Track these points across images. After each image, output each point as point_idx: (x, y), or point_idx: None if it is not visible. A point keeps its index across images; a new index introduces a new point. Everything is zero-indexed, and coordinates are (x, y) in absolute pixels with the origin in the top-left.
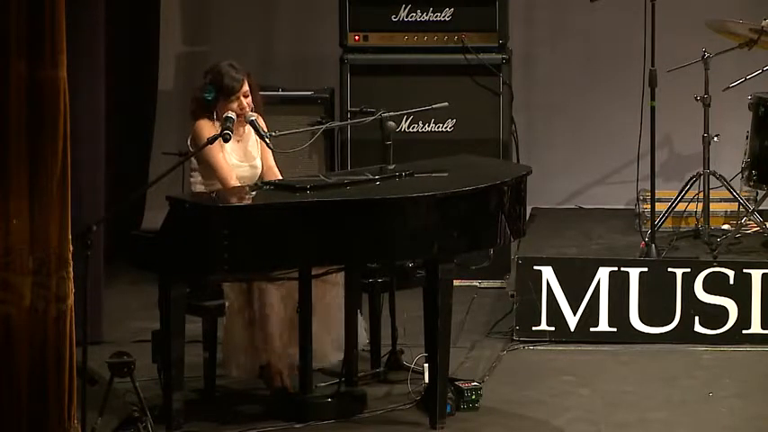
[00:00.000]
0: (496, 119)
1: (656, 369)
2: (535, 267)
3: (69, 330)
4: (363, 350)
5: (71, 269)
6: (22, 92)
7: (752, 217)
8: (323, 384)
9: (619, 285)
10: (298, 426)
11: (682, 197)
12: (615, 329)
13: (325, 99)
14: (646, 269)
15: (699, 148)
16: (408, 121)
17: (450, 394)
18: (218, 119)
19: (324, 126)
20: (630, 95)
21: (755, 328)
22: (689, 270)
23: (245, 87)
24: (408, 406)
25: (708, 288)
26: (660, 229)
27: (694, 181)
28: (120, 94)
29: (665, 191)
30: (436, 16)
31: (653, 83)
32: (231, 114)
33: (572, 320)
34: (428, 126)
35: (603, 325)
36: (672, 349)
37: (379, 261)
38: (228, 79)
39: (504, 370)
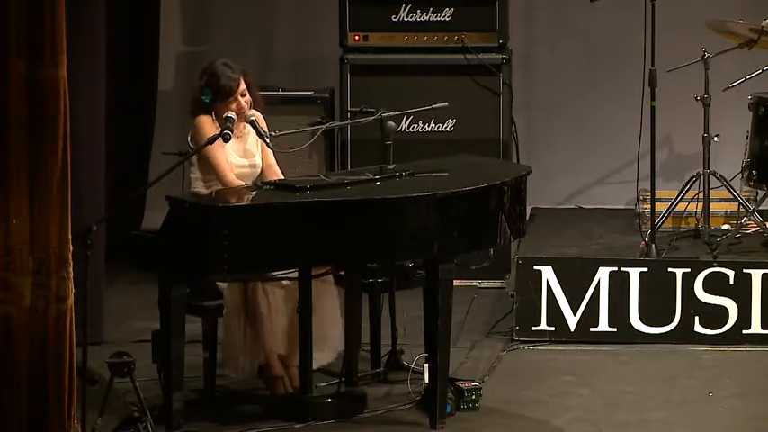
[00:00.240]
0: (496, 119)
1: (656, 369)
2: (535, 267)
3: (69, 330)
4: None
5: (71, 269)
6: (22, 92)
7: (752, 217)
8: (323, 384)
9: (619, 285)
10: (298, 426)
11: (682, 197)
12: (615, 329)
13: (325, 99)
14: (646, 269)
15: (699, 148)
16: (408, 121)
17: (450, 394)
18: (217, 118)
19: (324, 126)
20: (630, 95)
21: (755, 328)
22: (689, 270)
23: (242, 86)
24: (408, 406)
25: (708, 288)
26: (660, 229)
27: (694, 181)
28: (120, 94)
29: (665, 191)
30: (436, 16)
31: (653, 83)
32: (231, 114)
33: (572, 320)
34: (428, 126)
35: (603, 325)
36: (672, 349)
37: (379, 261)
38: (225, 80)
39: (504, 370)
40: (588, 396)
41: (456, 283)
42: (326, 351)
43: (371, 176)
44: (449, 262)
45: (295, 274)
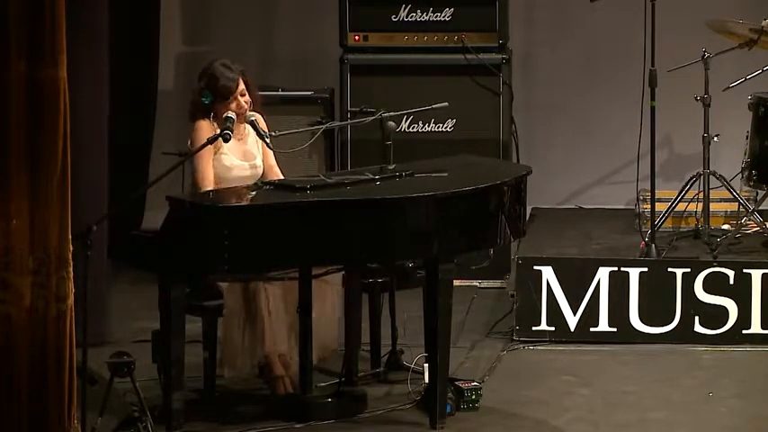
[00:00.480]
0: (496, 119)
1: (656, 369)
2: (535, 267)
3: (69, 330)
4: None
5: (71, 269)
6: (22, 92)
7: (752, 217)
8: (323, 384)
9: (619, 285)
10: (298, 426)
11: (682, 197)
12: (615, 329)
13: (325, 99)
14: (646, 269)
15: (699, 148)
16: (408, 121)
17: (450, 394)
18: (217, 119)
19: (324, 126)
20: (630, 95)
21: (755, 328)
22: (689, 270)
23: (242, 86)
24: (408, 406)
25: (708, 288)
26: (660, 229)
27: (694, 181)
28: (120, 94)
29: (665, 191)
30: (436, 16)
31: (653, 83)
32: (231, 114)
33: (572, 320)
34: (428, 126)
35: (603, 325)
36: (672, 349)
37: (379, 261)
38: (224, 80)
39: (504, 370)
40: (588, 396)
41: (456, 283)
42: (326, 351)
43: (371, 176)
44: (449, 262)
45: (295, 274)
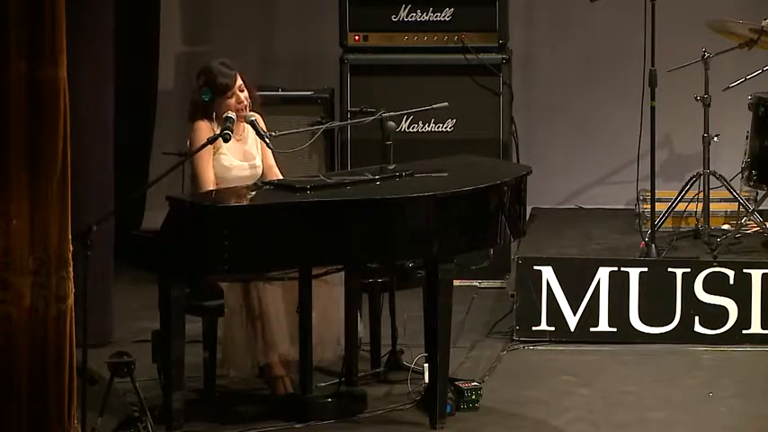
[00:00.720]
0: (496, 119)
1: (656, 369)
2: (535, 267)
3: (69, 330)
4: (363, 349)
5: (71, 269)
6: (22, 92)
7: (752, 217)
8: (323, 384)
9: (619, 285)
10: (298, 426)
11: (682, 197)
12: (615, 329)
13: (325, 99)
14: (646, 269)
15: (699, 148)
16: (408, 121)
17: (450, 394)
18: (217, 119)
19: (324, 126)
20: (630, 95)
21: (755, 328)
22: (689, 270)
23: (239, 81)
24: (408, 406)
25: (708, 288)
26: (660, 229)
27: (694, 181)
28: (120, 94)
29: (665, 191)
30: (436, 16)
31: (653, 83)
32: (231, 114)
33: (572, 320)
34: (428, 126)
35: (603, 325)
36: (672, 349)
37: (379, 261)
38: (221, 77)
39: (504, 370)
40: (588, 396)
41: (456, 283)
42: (326, 350)
43: (371, 176)
44: (449, 262)
45: (295, 274)
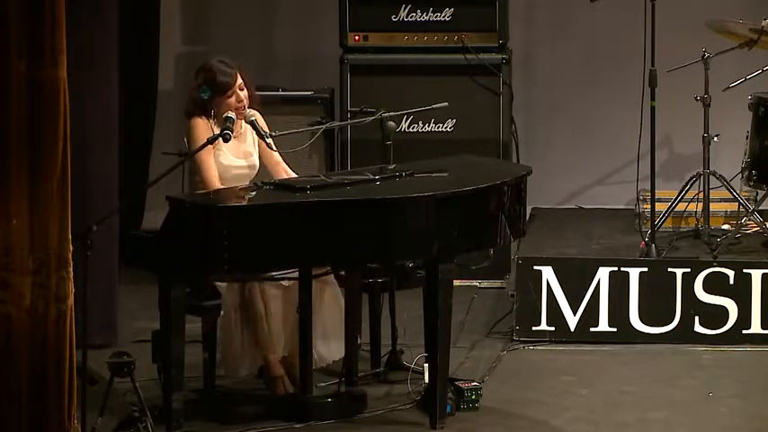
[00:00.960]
0: (496, 119)
1: (656, 369)
2: (535, 267)
3: (69, 330)
4: (363, 350)
5: (71, 269)
6: (22, 92)
7: (752, 217)
8: (323, 384)
9: (619, 285)
10: (298, 426)
11: (682, 197)
12: (615, 329)
13: (325, 99)
14: (646, 269)
15: (699, 148)
16: (408, 121)
17: (450, 394)
18: (216, 117)
19: (324, 126)
20: (630, 95)
21: (755, 328)
22: (689, 270)
23: (239, 80)
24: (408, 406)
25: (708, 288)
26: (660, 229)
27: (694, 181)
28: (121, 94)
29: (665, 191)
30: (436, 16)
31: (653, 83)
32: (231, 114)
33: (572, 320)
34: (428, 126)
35: (603, 325)
36: (672, 349)
37: (379, 261)
38: (221, 75)
39: (504, 370)
40: (588, 396)
41: (456, 283)
42: (333, 349)
43: (371, 176)
44: (449, 262)
45: (295, 274)
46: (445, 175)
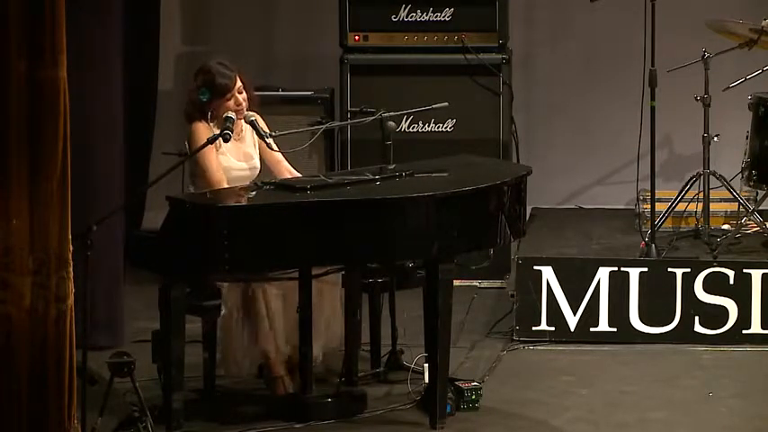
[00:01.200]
0: (496, 119)
1: (656, 369)
2: (535, 267)
3: (69, 330)
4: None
5: (71, 269)
6: (22, 92)
7: (752, 217)
8: (323, 385)
9: (619, 285)
10: (298, 426)
11: (682, 197)
12: (615, 329)
13: (325, 99)
14: (646, 269)
15: (699, 148)
16: (408, 121)
17: (450, 394)
18: (214, 119)
19: (324, 126)
20: (630, 95)
21: (755, 328)
22: (689, 270)
23: (239, 83)
24: (408, 406)
25: (708, 288)
26: (660, 229)
27: (694, 181)
28: (121, 94)
29: (665, 191)
30: (436, 16)
31: (653, 83)
32: (231, 114)
33: (572, 320)
34: (428, 126)
35: (603, 325)
36: (672, 349)
37: (379, 261)
38: (220, 78)
39: (504, 370)
40: (588, 396)
41: (456, 283)
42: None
43: (371, 176)
44: (449, 262)
45: (295, 274)
46: (445, 175)
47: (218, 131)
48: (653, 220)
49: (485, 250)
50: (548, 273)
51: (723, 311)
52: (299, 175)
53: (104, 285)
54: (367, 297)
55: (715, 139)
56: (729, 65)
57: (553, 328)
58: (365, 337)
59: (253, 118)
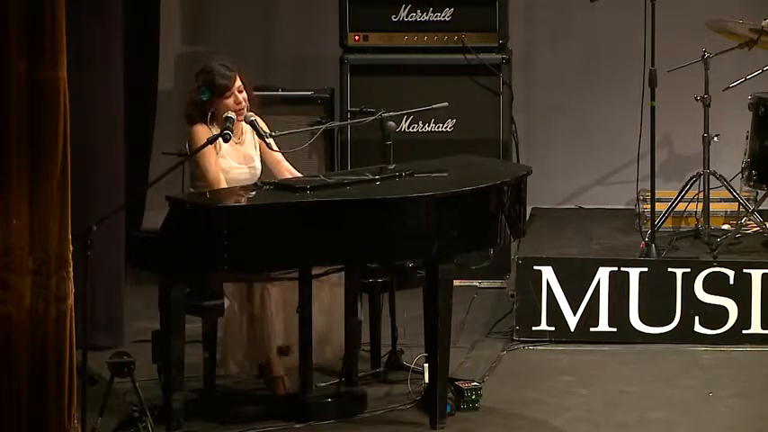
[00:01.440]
0: (496, 119)
1: (656, 369)
2: (535, 267)
3: (69, 330)
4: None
5: (71, 269)
6: (22, 92)
7: (752, 217)
8: (323, 384)
9: (619, 285)
10: (298, 426)
11: (682, 197)
12: (615, 329)
13: (325, 99)
14: (646, 269)
15: (699, 148)
16: (408, 121)
17: (450, 394)
18: (215, 119)
19: (324, 126)
20: (630, 95)
21: (755, 328)
22: (689, 270)
23: (238, 82)
24: (408, 406)
25: (708, 288)
26: (660, 229)
27: (694, 181)
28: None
29: (665, 191)
30: (436, 16)
31: (653, 83)
32: (231, 114)
33: (572, 320)
34: (428, 126)
35: (603, 325)
36: (672, 349)
37: (379, 261)
38: (220, 77)
39: (504, 370)
40: (588, 396)
41: (456, 283)
42: (328, 351)
43: (371, 176)
44: (449, 262)
45: (295, 274)
46: (445, 175)
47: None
48: (653, 220)
49: (485, 250)
50: (548, 273)
51: (723, 311)
52: (300, 174)
53: (104, 285)
54: (367, 297)
55: (715, 139)
56: (729, 65)
57: (553, 328)
58: (365, 337)
59: (253, 118)
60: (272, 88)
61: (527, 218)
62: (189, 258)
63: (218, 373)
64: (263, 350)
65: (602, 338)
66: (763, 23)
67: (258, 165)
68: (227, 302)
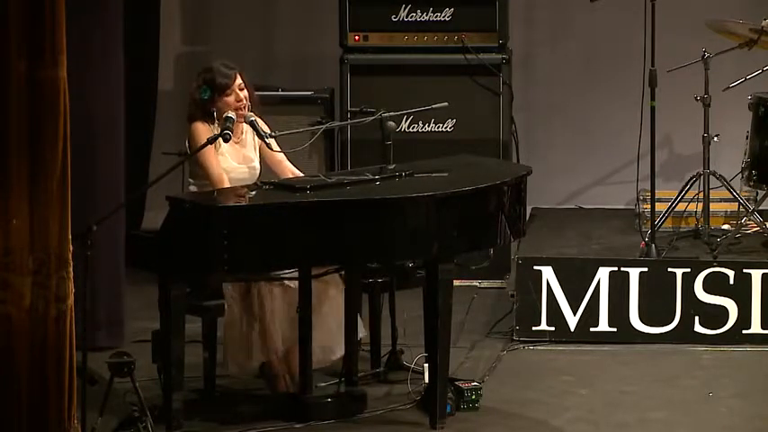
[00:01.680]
0: (496, 119)
1: (656, 369)
2: (535, 267)
3: (69, 330)
4: (363, 349)
5: (71, 269)
6: (22, 92)
7: (752, 217)
8: (323, 384)
9: (619, 285)
10: (298, 426)
11: (682, 197)
12: (615, 329)
13: (325, 99)
14: (646, 269)
15: (699, 148)
16: (408, 121)
17: (450, 394)
18: (217, 118)
19: (324, 126)
20: (630, 95)
21: (755, 328)
22: (689, 270)
23: (239, 80)
24: (408, 406)
25: (708, 288)
26: (660, 229)
27: (694, 181)
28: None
29: (665, 191)
30: (436, 16)
31: (653, 83)
32: (231, 114)
33: (572, 320)
34: (428, 126)
35: (603, 325)
36: (672, 349)
37: (379, 261)
38: (220, 76)
39: (504, 370)
40: (588, 396)
41: (456, 283)
42: (329, 352)
43: (371, 176)
44: (449, 262)
45: (296, 274)
46: (445, 175)
47: (218, 132)
48: (653, 220)
49: (485, 250)
50: (548, 273)
51: (723, 311)
52: (302, 174)
53: (104, 285)
54: (367, 297)
55: (715, 139)
56: (729, 65)
57: (553, 328)
58: (365, 337)
59: (252, 118)
60: (272, 88)
61: (527, 218)
62: (189, 258)
63: (219, 373)
64: (264, 351)
65: (602, 338)
66: (763, 23)
67: (257, 165)
68: (227, 302)
